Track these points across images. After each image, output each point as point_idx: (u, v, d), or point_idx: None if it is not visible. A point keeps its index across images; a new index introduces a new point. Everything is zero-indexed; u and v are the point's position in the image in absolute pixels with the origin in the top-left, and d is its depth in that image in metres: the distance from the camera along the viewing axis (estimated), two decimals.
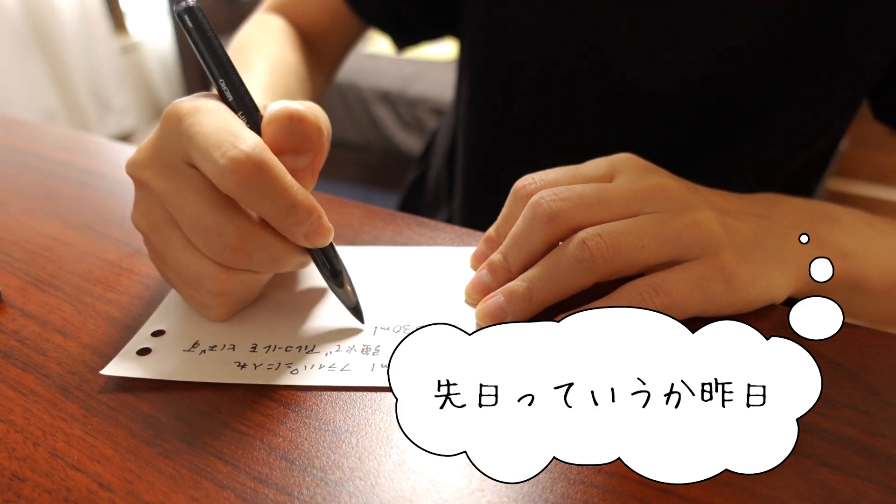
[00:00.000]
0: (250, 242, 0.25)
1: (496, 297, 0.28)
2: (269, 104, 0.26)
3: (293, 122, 0.25)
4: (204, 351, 0.27)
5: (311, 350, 0.27)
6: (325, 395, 0.25)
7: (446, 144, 0.65)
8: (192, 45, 0.27)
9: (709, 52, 0.43)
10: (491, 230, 0.32)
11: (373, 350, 0.27)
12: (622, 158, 0.31)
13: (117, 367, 0.26)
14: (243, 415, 0.24)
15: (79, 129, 1.91)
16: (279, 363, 0.26)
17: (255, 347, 0.27)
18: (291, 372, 0.26)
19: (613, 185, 0.29)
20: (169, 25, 2.22)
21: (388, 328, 0.28)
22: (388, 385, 0.25)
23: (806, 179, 0.51)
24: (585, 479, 0.21)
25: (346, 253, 0.34)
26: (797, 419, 0.20)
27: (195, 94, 0.27)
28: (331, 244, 0.28)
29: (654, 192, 0.28)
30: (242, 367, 0.26)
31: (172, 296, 0.31)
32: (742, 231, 0.28)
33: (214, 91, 0.27)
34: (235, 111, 0.26)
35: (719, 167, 0.47)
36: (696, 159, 0.46)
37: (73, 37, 2.00)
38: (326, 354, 0.27)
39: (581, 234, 0.26)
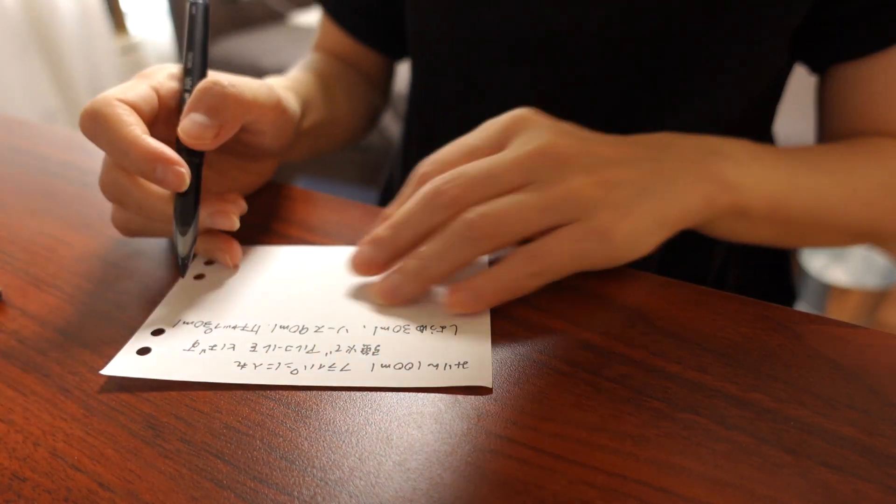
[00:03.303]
0: (113, 185, 0.31)
1: (392, 276, 0.30)
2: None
3: (202, 91, 0.31)
4: (204, 350, 0.27)
5: (311, 350, 0.27)
6: (325, 395, 0.25)
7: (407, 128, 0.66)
8: (187, 31, 0.35)
9: None
10: (390, 210, 0.33)
11: (373, 350, 0.27)
12: (515, 118, 0.33)
13: (117, 367, 0.26)
14: (243, 415, 0.24)
15: (79, 130, 1.90)
16: (279, 363, 0.26)
17: (255, 347, 0.27)
18: (291, 372, 0.26)
19: (501, 157, 0.31)
20: (169, 25, 2.22)
21: (388, 328, 0.28)
22: (388, 385, 0.25)
23: (755, 125, 0.50)
24: (585, 480, 0.21)
25: (345, 252, 0.34)
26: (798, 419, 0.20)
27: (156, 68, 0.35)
28: (195, 197, 0.31)
29: (540, 158, 0.30)
30: (242, 366, 0.26)
31: (172, 295, 0.31)
32: (625, 182, 0.31)
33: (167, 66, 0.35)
34: (186, 76, 0.34)
35: (660, 110, 0.45)
36: (633, 105, 0.45)
37: (73, 37, 2.00)
38: (326, 354, 0.27)
39: (468, 214, 0.29)
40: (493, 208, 0.29)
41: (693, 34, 0.42)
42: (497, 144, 0.33)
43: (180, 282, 0.32)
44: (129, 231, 0.33)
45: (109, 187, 0.31)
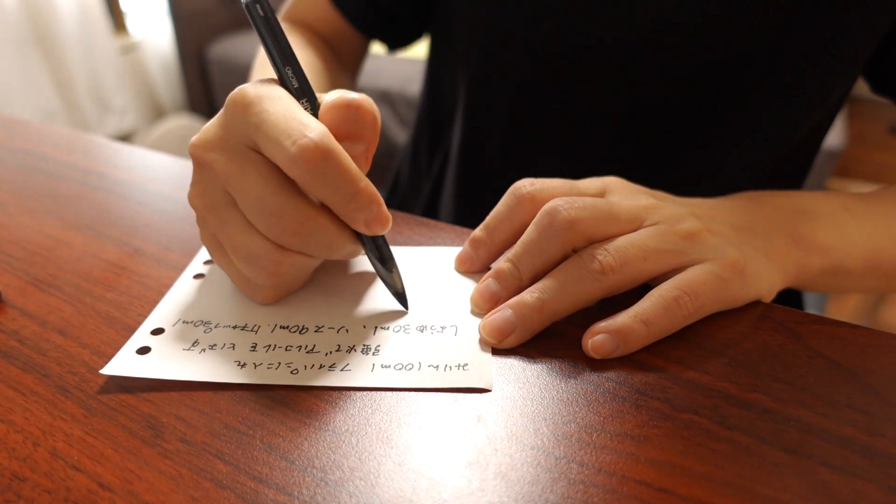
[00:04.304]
0: (309, 226, 0.26)
1: (503, 311, 0.27)
2: (326, 94, 0.27)
3: (350, 110, 0.26)
4: (203, 350, 0.27)
5: (311, 350, 0.27)
6: (325, 395, 0.25)
7: (417, 129, 0.65)
8: (259, 35, 0.28)
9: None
10: (479, 231, 0.32)
11: (373, 350, 0.27)
12: (612, 180, 0.33)
13: (117, 366, 0.26)
14: (243, 415, 0.24)
15: (79, 129, 1.91)
16: (279, 363, 0.26)
17: (254, 347, 0.27)
18: (291, 372, 0.26)
19: (617, 200, 0.30)
20: (169, 25, 2.22)
21: (388, 328, 0.28)
22: (388, 385, 0.25)
23: (803, 158, 0.50)
24: (585, 480, 0.21)
25: None
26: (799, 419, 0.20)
27: (258, 81, 0.27)
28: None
29: (650, 210, 0.30)
30: (242, 366, 0.26)
31: (171, 294, 0.31)
32: (730, 238, 0.30)
33: (269, 78, 0.28)
34: (298, 98, 0.27)
35: (716, 135, 0.45)
36: (696, 127, 0.45)
37: (73, 37, 2.00)
38: (326, 354, 0.27)
39: (589, 249, 0.28)
40: (614, 244, 0.28)
41: (765, 55, 0.41)
42: (597, 194, 0.32)
43: (180, 281, 0.32)
44: (284, 287, 0.30)
45: (296, 234, 0.26)
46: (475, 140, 0.54)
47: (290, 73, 0.27)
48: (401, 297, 0.30)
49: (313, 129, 0.24)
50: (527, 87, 0.49)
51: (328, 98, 0.27)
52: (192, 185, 0.28)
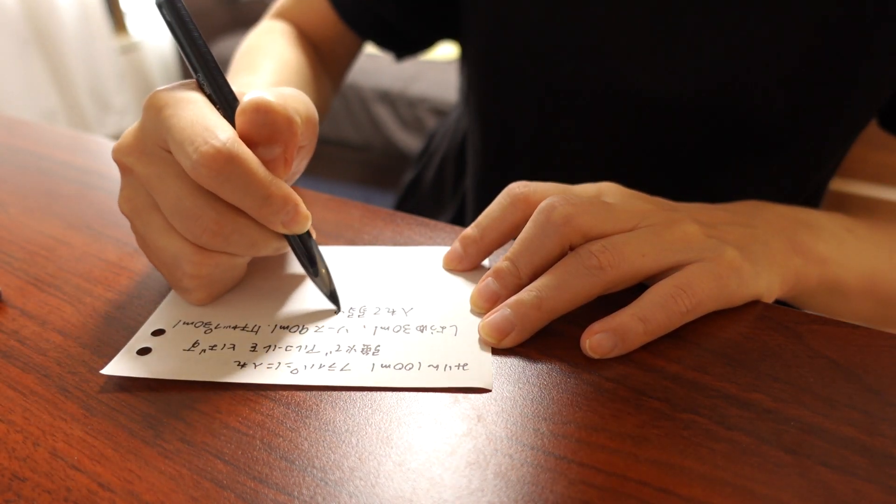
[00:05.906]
0: (228, 226, 0.26)
1: (502, 310, 0.27)
2: (244, 97, 0.27)
3: (260, 114, 0.25)
4: (204, 350, 0.27)
5: (311, 350, 0.27)
6: (325, 395, 0.25)
7: (451, 145, 0.65)
8: (173, 38, 0.27)
9: (719, 56, 0.41)
10: (471, 230, 0.32)
11: (373, 350, 0.27)
12: (607, 185, 0.32)
13: (117, 367, 0.26)
14: (243, 415, 0.24)
15: (79, 129, 1.91)
16: (279, 363, 0.26)
17: (255, 347, 0.27)
18: (291, 372, 0.26)
19: (613, 201, 0.30)
20: None
21: (388, 328, 0.28)
22: (388, 385, 0.25)
23: (813, 199, 0.51)
24: (585, 480, 0.21)
25: (345, 252, 0.34)
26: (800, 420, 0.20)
27: (177, 83, 0.27)
28: (307, 232, 0.29)
29: (646, 213, 0.30)
30: (242, 366, 0.26)
31: (172, 295, 0.31)
32: (728, 239, 0.30)
33: (190, 81, 0.28)
34: (214, 103, 0.27)
35: (734, 183, 0.46)
36: (709, 174, 0.46)
37: (73, 37, 2.00)
38: (326, 354, 0.27)
39: (587, 245, 0.28)
40: (611, 240, 0.27)
41: (791, 115, 0.41)
42: (593, 198, 0.31)
43: None
44: (213, 287, 0.29)
45: (215, 235, 0.26)
46: (493, 178, 0.54)
47: (201, 78, 0.27)
48: (332, 297, 0.29)
49: (218, 134, 0.24)
50: (542, 129, 0.49)
51: (243, 101, 0.26)
52: (120, 190, 0.28)
